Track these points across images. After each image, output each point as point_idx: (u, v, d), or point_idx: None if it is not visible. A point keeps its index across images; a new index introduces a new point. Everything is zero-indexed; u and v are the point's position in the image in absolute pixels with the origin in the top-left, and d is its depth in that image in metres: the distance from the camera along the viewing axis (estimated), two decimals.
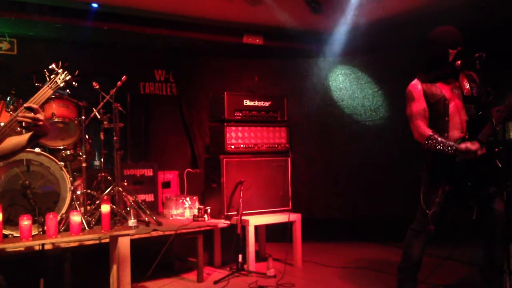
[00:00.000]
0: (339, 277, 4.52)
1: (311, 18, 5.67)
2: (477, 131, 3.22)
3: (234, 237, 4.65)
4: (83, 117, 4.39)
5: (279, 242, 5.24)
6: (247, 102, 5.11)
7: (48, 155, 4.01)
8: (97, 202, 4.30)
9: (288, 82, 6.46)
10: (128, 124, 5.49)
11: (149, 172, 5.38)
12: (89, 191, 4.46)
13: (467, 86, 3.40)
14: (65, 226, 3.88)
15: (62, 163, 4.06)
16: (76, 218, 3.66)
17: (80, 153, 4.44)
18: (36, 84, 4.15)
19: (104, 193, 4.37)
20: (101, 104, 4.64)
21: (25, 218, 3.44)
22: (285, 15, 5.71)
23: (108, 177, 4.67)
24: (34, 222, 3.67)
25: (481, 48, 3.27)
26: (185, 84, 6.33)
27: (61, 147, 4.44)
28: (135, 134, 5.84)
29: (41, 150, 4.01)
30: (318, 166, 6.42)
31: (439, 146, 3.24)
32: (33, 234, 3.58)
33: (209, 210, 4.79)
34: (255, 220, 4.77)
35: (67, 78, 2.54)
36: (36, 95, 2.38)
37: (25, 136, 2.45)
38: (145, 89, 6.14)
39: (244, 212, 4.75)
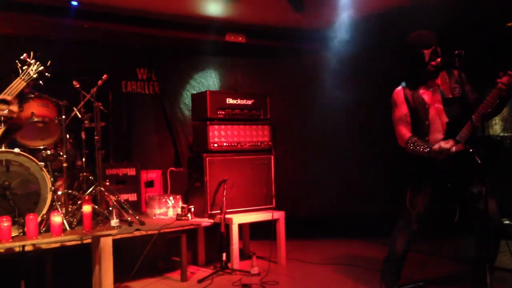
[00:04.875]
0: (323, 274, 4.55)
1: (293, 16, 5.67)
2: (457, 131, 3.27)
3: (218, 236, 4.65)
4: (64, 117, 4.33)
5: (263, 240, 5.25)
6: (230, 101, 5.11)
7: (28, 155, 3.94)
8: (79, 202, 4.25)
9: (272, 80, 6.46)
10: (110, 123, 5.44)
11: (131, 172, 5.35)
12: (70, 191, 4.41)
13: (449, 87, 3.45)
14: (46, 227, 3.83)
15: (42, 163, 4.00)
16: (57, 218, 3.61)
17: (61, 153, 4.39)
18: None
19: (86, 193, 4.33)
20: (82, 103, 4.59)
21: (4, 219, 3.37)
22: (268, 13, 5.72)
23: (90, 177, 4.62)
24: (14, 223, 3.61)
25: (462, 46, 3.34)
26: (167, 82, 6.30)
27: (41, 147, 4.38)
28: (117, 133, 5.80)
29: (21, 150, 3.94)
30: (301, 164, 6.43)
31: (416, 148, 3.33)
32: (13, 235, 3.52)
33: (192, 209, 4.77)
34: (238, 219, 4.77)
35: (40, 68, 2.50)
36: (9, 87, 2.34)
37: None
38: (127, 88, 6.09)
39: (227, 210, 4.75)
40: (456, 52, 3.36)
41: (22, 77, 2.42)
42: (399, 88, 3.58)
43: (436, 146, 3.27)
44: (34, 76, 2.47)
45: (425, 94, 3.46)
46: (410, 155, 3.43)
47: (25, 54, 2.50)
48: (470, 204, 3.35)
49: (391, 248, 3.67)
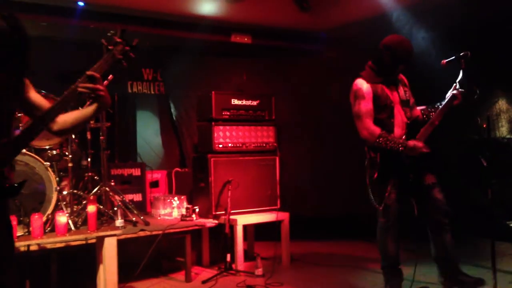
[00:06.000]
0: (327, 275, 4.54)
1: (299, 17, 5.67)
2: (414, 131, 3.54)
3: (222, 237, 4.64)
4: None
5: (267, 241, 5.24)
6: (235, 101, 5.10)
7: (34, 155, 3.97)
8: (84, 202, 4.26)
9: (277, 81, 6.46)
10: (115, 123, 5.45)
11: (137, 172, 5.35)
12: (75, 191, 4.43)
13: (401, 90, 3.65)
14: (51, 226, 3.85)
15: (48, 163, 4.02)
16: (62, 218, 3.64)
17: (66, 153, 4.40)
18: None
19: (91, 193, 4.34)
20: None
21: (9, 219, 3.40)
22: (273, 13, 5.71)
23: (95, 177, 4.63)
24: (19, 223, 3.64)
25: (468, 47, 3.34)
26: (173, 83, 6.31)
27: (47, 147, 4.38)
28: (122, 133, 5.81)
29: (27, 150, 3.97)
30: (307, 165, 6.42)
31: (389, 143, 3.43)
32: (18, 235, 3.56)
33: (197, 210, 4.77)
34: (243, 220, 4.77)
35: (125, 49, 2.25)
36: (97, 64, 2.18)
37: (89, 109, 2.24)
38: (132, 88, 6.11)
39: (232, 211, 4.74)
40: (462, 53, 3.37)
41: (105, 58, 2.21)
42: (361, 80, 3.58)
43: (410, 143, 3.42)
44: (119, 57, 2.23)
45: (388, 93, 3.58)
46: (373, 148, 3.53)
47: (111, 32, 2.27)
48: (425, 195, 3.57)
49: (383, 252, 3.66)
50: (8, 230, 2.09)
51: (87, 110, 2.25)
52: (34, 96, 2.20)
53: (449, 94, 3.51)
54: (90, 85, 2.12)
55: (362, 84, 3.56)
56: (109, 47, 2.21)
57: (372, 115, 3.53)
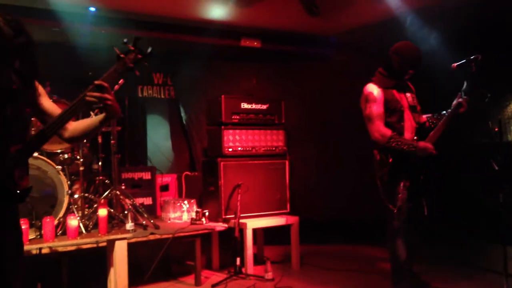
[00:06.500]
0: (337, 280, 4.52)
1: (309, 21, 5.67)
2: (423, 136, 3.62)
3: (232, 240, 4.64)
4: None
5: (277, 245, 5.24)
6: (245, 105, 5.12)
7: (46, 158, 4.01)
8: (95, 205, 4.30)
9: (287, 85, 6.46)
10: (126, 127, 5.49)
11: (147, 175, 5.38)
12: (86, 194, 4.46)
13: (410, 96, 3.74)
14: (62, 230, 3.89)
15: (60, 167, 4.07)
16: (73, 222, 3.67)
17: (78, 157, 4.44)
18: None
19: (102, 197, 4.37)
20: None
21: (22, 222, 3.42)
22: (283, 18, 5.72)
23: (106, 181, 4.67)
24: (31, 226, 3.68)
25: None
26: (183, 87, 6.34)
27: (59, 151, 4.44)
28: (133, 137, 5.85)
29: (39, 154, 4.02)
30: (316, 169, 6.41)
31: (400, 145, 3.50)
32: (30, 238, 3.60)
33: (207, 213, 4.78)
34: (253, 223, 4.77)
35: (138, 57, 2.21)
36: (106, 73, 2.15)
37: (98, 118, 2.25)
38: (143, 92, 6.15)
39: (242, 215, 4.74)
40: (473, 56, 3.36)
41: (116, 67, 2.17)
42: (372, 85, 3.66)
43: (421, 144, 3.51)
44: (130, 66, 2.19)
45: (398, 98, 3.66)
46: (383, 150, 3.58)
47: (125, 40, 2.21)
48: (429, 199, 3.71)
49: (393, 255, 3.66)
50: (17, 234, 2.13)
51: (96, 119, 2.26)
52: (46, 102, 2.22)
53: (455, 103, 3.56)
54: (98, 94, 2.11)
55: (373, 89, 3.63)
56: (121, 56, 2.19)
57: (383, 118, 3.60)
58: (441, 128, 3.58)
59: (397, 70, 3.62)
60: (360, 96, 3.73)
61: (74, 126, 2.27)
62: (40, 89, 2.21)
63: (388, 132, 3.54)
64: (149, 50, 2.24)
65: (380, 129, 3.57)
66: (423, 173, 3.62)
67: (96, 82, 2.12)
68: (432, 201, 3.79)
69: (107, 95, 2.13)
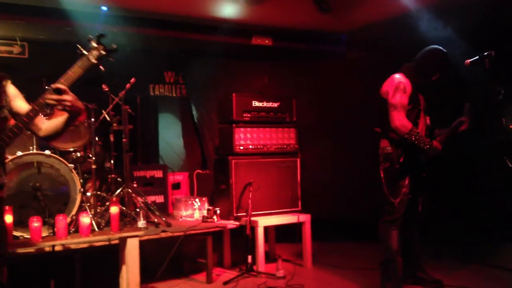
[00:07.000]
0: (349, 278, 4.50)
1: (320, 18, 5.65)
2: (433, 136, 3.82)
3: (243, 238, 4.65)
4: (93, 120, 4.43)
5: (288, 242, 5.23)
6: (256, 103, 5.11)
7: (58, 157, 4.05)
8: (107, 203, 4.32)
9: (298, 82, 6.43)
10: (138, 126, 5.52)
11: (159, 174, 5.41)
12: (99, 192, 4.50)
13: (422, 98, 3.83)
14: (75, 227, 3.92)
15: (72, 165, 4.10)
16: (85, 219, 3.69)
17: (90, 155, 4.48)
18: (46, 87, 4.18)
19: (114, 195, 4.40)
20: (111, 106, 4.68)
21: (35, 219, 3.48)
22: (294, 15, 5.70)
23: (118, 179, 4.70)
24: (44, 223, 3.71)
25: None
26: (194, 85, 6.36)
27: (71, 149, 4.47)
28: (145, 135, 5.88)
29: (52, 152, 4.06)
30: (328, 167, 6.38)
31: (418, 139, 3.59)
32: (43, 235, 3.63)
33: (218, 211, 4.79)
34: (264, 221, 4.77)
35: (102, 53, 2.22)
36: (64, 75, 2.18)
37: (63, 118, 2.33)
38: (154, 91, 6.18)
39: (253, 213, 4.74)
40: (486, 53, 3.33)
41: (80, 64, 2.19)
42: (403, 76, 3.72)
43: (435, 143, 3.67)
44: (94, 62, 2.21)
45: (419, 97, 3.78)
46: (397, 142, 3.66)
47: (89, 36, 2.23)
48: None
49: (386, 247, 3.74)
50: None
51: (62, 119, 2.35)
52: (17, 104, 2.33)
53: (457, 121, 3.79)
54: (56, 97, 2.15)
55: (403, 79, 3.70)
56: (84, 52, 2.23)
57: (406, 110, 3.66)
58: (442, 140, 3.78)
59: (426, 71, 3.71)
60: (381, 86, 3.79)
61: (46, 126, 2.37)
62: (11, 92, 2.32)
63: (409, 124, 3.61)
64: (114, 46, 2.29)
65: (402, 119, 3.62)
66: (426, 171, 3.81)
67: (52, 85, 2.16)
68: (426, 199, 3.96)
69: (65, 97, 2.16)
